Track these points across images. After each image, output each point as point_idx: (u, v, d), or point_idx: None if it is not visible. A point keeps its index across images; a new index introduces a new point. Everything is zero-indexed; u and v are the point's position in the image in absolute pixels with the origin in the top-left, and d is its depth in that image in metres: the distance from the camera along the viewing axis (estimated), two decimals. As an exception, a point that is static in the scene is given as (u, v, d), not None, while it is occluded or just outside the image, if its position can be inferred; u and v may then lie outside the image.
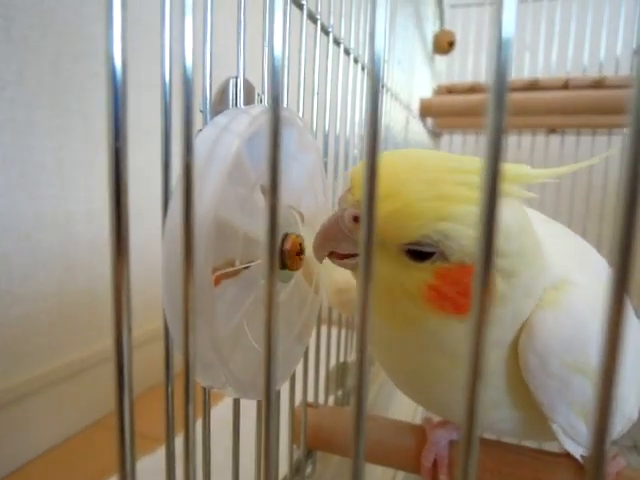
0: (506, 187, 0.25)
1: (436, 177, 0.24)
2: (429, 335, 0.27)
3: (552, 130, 1.05)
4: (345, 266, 0.27)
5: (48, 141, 0.74)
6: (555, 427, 0.29)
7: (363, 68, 0.49)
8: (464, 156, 0.26)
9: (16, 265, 0.71)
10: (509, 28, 0.12)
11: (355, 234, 0.25)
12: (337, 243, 0.26)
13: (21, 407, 0.72)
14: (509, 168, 0.25)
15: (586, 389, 0.27)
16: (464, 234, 0.23)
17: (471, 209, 0.23)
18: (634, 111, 0.11)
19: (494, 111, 0.12)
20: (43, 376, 0.75)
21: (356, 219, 0.25)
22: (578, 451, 0.31)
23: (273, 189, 0.15)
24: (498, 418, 0.31)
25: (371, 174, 0.14)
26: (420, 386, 0.33)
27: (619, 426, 0.31)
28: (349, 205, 0.25)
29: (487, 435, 0.37)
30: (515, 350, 0.28)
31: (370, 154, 0.14)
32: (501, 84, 0.12)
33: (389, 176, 0.23)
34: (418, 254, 0.24)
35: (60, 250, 0.78)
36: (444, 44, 1.00)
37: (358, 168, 0.27)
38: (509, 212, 0.25)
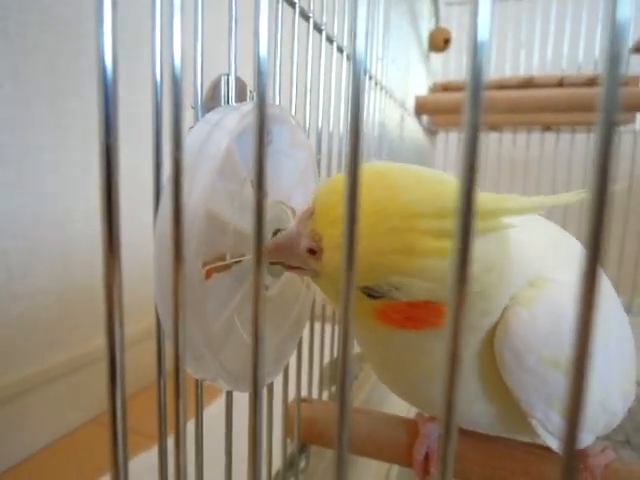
0: (483, 223, 0.23)
1: (402, 225, 0.22)
2: (391, 340, 0.28)
3: (547, 127, 1.05)
4: (294, 273, 0.27)
5: (46, 140, 0.74)
6: (534, 422, 0.28)
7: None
8: (450, 187, 0.23)
9: (14, 263, 0.71)
10: (484, 32, 0.13)
11: (306, 263, 0.24)
12: (287, 259, 0.25)
13: (19, 404, 0.72)
14: (488, 200, 0.23)
15: (564, 384, 0.27)
16: (417, 286, 0.23)
17: (431, 262, 0.22)
18: (602, 110, 0.12)
19: (470, 112, 0.13)
20: (41, 373, 0.76)
21: (311, 251, 0.24)
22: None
23: (259, 184, 0.15)
24: (475, 412, 0.31)
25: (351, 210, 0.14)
26: (403, 382, 0.33)
27: (603, 421, 0.31)
28: (307, 232, 0.24)
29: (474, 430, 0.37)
30: (491, 347, 0.27)
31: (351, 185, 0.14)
32: (476, 88, 0.13)
33: None
34: (368, 292, 0.24)
35: (58, 248, 0.78)
36: (439, 42, 1.00)
37: (323, 191, 0.24)
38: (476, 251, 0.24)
